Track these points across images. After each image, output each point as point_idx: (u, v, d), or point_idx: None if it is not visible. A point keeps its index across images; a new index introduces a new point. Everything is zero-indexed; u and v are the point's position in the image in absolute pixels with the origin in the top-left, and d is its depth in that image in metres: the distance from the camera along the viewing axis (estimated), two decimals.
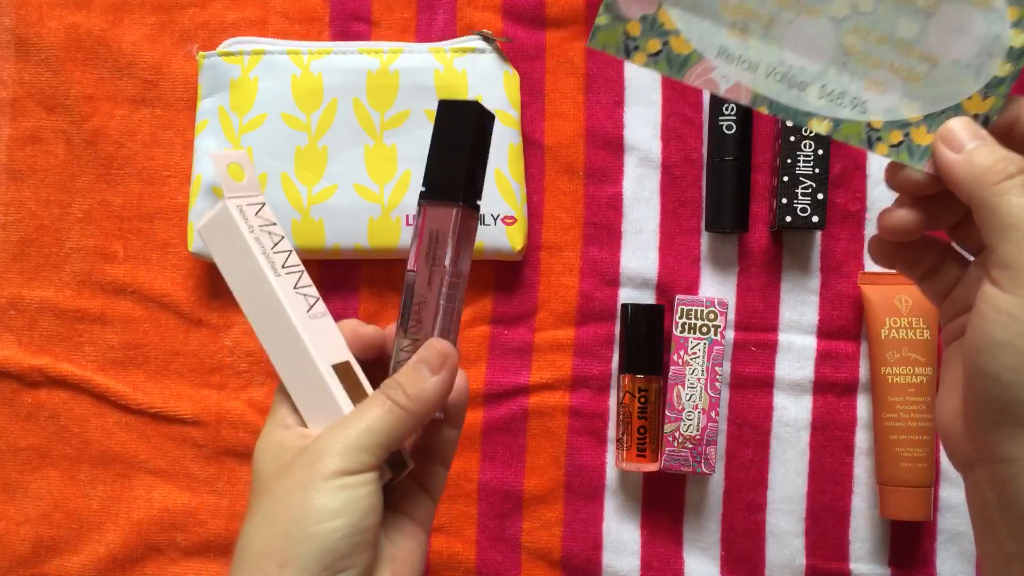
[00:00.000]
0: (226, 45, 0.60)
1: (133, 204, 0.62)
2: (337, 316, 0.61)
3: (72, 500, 0.62)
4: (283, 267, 0.41)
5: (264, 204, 0.42)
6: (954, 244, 0.38)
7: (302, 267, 0.42)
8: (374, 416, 0.37)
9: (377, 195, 0.59)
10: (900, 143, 0.34)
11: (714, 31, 0.34)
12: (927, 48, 0.33)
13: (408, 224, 0.59)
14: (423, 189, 0.41)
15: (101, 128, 0.62)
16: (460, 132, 0.41)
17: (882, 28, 0.33)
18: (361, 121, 0.59)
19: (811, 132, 0.35)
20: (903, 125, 0.34)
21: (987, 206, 0.31)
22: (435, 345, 0.39)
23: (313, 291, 0.42)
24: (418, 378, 0.38)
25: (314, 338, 0.40)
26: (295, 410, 0.40)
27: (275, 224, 0.42)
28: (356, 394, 0.40)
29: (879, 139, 0.34)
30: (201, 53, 0.60)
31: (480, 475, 0.61)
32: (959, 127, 0.33)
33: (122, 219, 0.62)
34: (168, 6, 0.62)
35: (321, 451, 0.36)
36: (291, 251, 0.41)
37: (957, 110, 0.34)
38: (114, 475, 0.62)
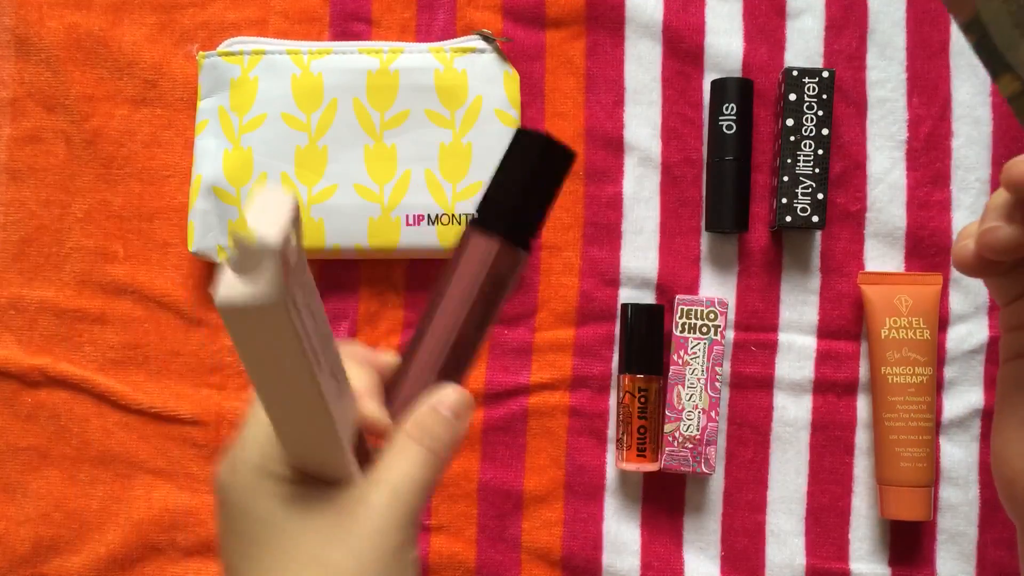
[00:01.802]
0: (226, 45, 0.60)
1: (133, 204, 0.62)
2: (337, 316, 0.61)
3: (72, 500, 0.62)
4: (323, 352, 0.34)
5: (301, 252, 0.32)
6: None
7: (327, 326, 0.35)
8: (422, 478, 0.36)
9: (377, 195, 0.59)
10: None
11: None
12: None
13: (408, 224, 0.59)
14: (477, 215, 0.38)
15: (101, 128, 0.62)
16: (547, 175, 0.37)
17: None
18: (361, 121, 0.59)
19: (1001, 88, 0.30)
20: None
21: None
22: (456, 392, 0.38)
23: (339, 358, 0.36)
24: (448, 425, 0.37)
25: (341, 420, 0.36)
26: (280, 454, 0.36)
27: (309, 280, 0.33)
28: (361, 456, 0.38)
29: None
30: (201, 53, 0.60)
31: (480, 475, 0.61)
32: None
33: (122, 219, 0.62)
34: (168, 6, 0.62)
35: (387, 524, 0.34)
36: (318, 304, 0.34)
37: None
38: (114, 475, 0.62)
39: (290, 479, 0.35)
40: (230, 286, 0.30)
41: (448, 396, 0.38)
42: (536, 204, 0.38)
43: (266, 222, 0.29)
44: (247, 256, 0.30)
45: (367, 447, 0.39)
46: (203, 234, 0.59)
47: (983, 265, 0.34)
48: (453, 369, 0.39)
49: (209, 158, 0.59)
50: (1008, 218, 0.32)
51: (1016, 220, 0.32)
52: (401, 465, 0.36)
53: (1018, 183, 0.31)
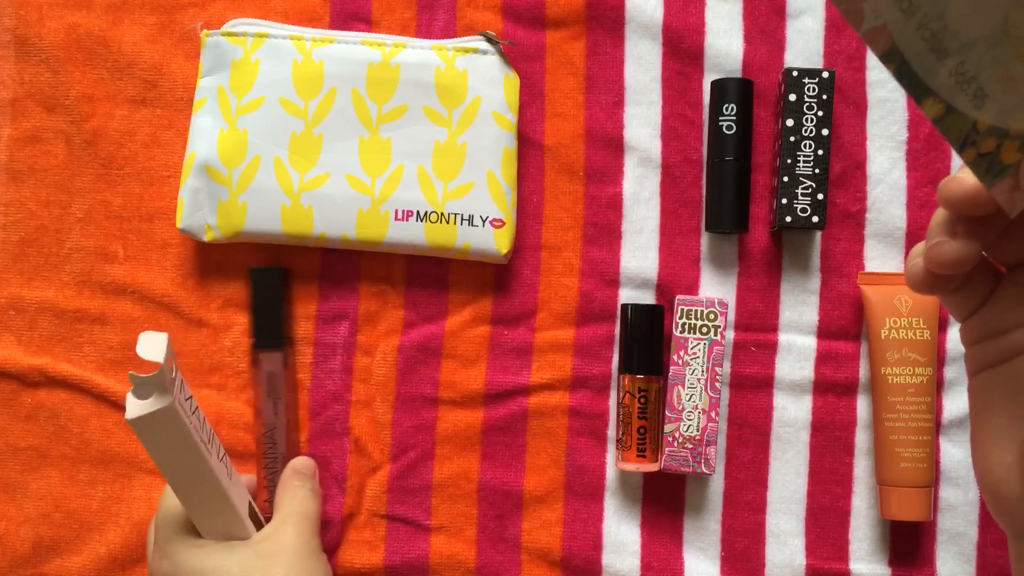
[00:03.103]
0: (230, 25, 0.60)
1: (133, 204, 0.62)
2: (337, 316, 0.61)
3: (72, 500, 0.62)
4: (210, 443, 0.48)
5: (178, 373, 0.45)
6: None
7: (211, 428, 0.50)
8: (315, 507, 0.56)
9: (368, 187, 0.59)
10: (986, 155, 0.31)
11: None
12: None
13: (397, 219, 0.59)
14: (253, 340, 0.60)
15: (101, 128, 0.62)
16: (273, 293, 0.60)
17: None
18: (358, 112, 0.59)
19: (926, 111, 0.31)
20: (1001, 135, 0.31)
21: None
22: (304, 459, 0.60)
23: (222, 449, 0.51)
24: (312, 478, 0.59)
25: (236, 497, 0.51)
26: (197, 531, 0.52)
27: (189, 394, 0.47)
28: (255, 519, 0.54)
29: (973, 143, 0.31)
30: (205, 31, 0.60)
31: (480, 475, 0.61)
32: None
33: (122, 219, 0.62)
34: (168, 6, 0.62)
35: (305, 538, 0.53)
36: (201, 414, 0.48)
37: None
38: (114, 475, 0.62)
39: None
40: (136, 406, 0.44)
41: (299, 462, 0.59)
42: (283, 313, 0.61)
43: (151, 353, 0.43)
44: (143, 383, 0.43)
45: (259, 517, 0.55)
46: (191, 212, 0.59)
47: (934, 281, 0.35)
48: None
49: (204, 136, 0.59)
50: (952, 233, 0.33)
51: (959, 235, 0.33)
52: (297, 501, 0.55)
53: (952, 201, 0.32)
